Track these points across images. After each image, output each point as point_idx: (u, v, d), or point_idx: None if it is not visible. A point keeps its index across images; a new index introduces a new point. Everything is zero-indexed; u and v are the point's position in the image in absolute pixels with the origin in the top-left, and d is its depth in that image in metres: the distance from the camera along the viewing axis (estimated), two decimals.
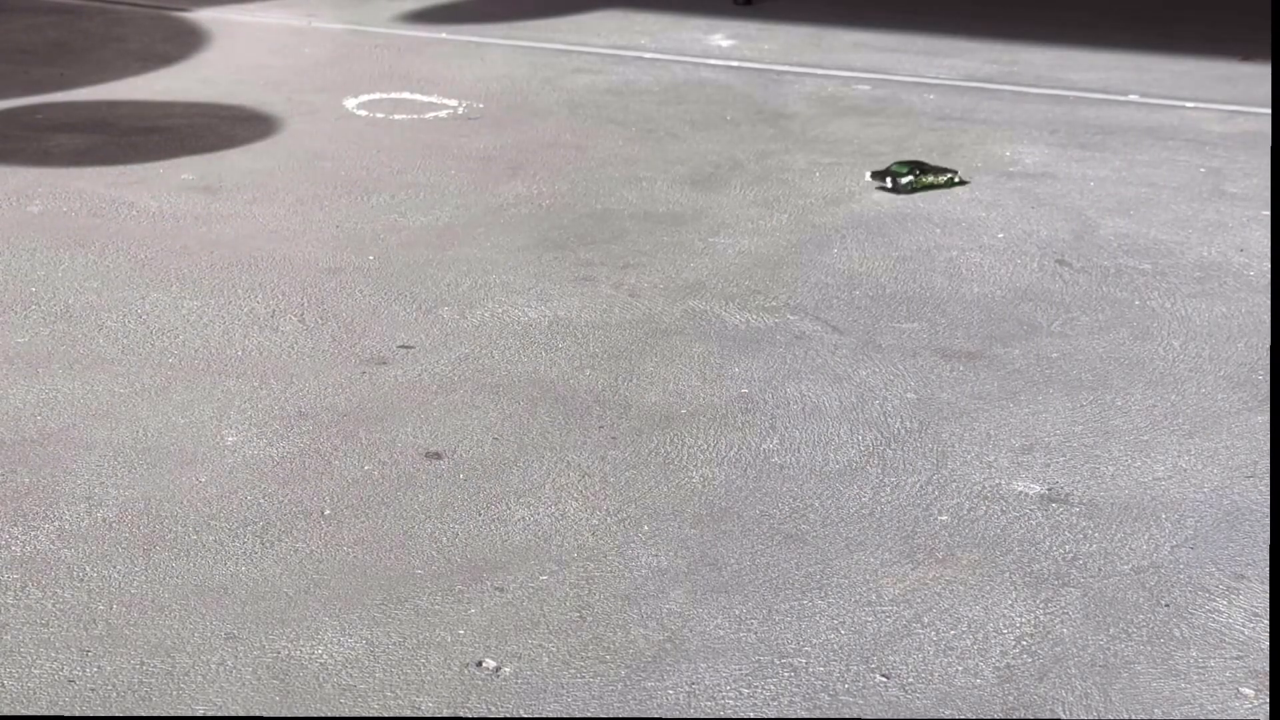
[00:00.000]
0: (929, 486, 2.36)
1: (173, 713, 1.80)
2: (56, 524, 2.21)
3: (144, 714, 1.80)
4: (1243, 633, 1.99)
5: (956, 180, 3.72)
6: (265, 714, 1.80)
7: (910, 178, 3.71)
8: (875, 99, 4.79)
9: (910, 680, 1.89)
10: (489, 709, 1.82)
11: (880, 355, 2.85)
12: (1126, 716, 1.83)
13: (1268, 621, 2.01)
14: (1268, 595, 2.07)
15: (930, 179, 3.75)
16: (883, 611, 2.03)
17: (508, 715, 1.81)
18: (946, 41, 5.66)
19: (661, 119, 4.50)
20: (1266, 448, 2.49)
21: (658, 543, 2.19)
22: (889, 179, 3.71)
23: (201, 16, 5.92)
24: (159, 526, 2.21)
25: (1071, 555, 2.17)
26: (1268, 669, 1.91)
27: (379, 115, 4.50)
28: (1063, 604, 2.05)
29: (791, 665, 1.91)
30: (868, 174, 3.75)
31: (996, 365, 2.82)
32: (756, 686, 1.87)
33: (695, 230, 3.51)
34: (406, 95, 4.74)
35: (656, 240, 3.44)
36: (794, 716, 1.82)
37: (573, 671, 1.89)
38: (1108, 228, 3.58)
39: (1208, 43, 5.63)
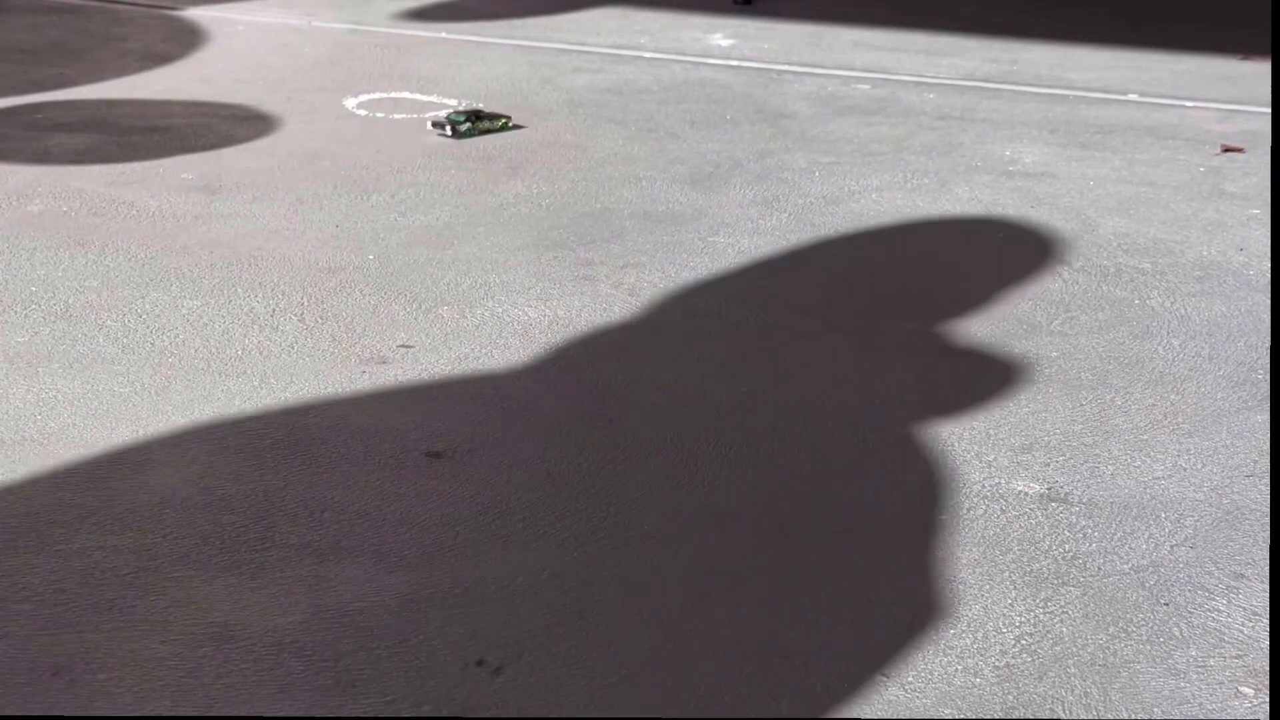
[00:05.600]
0: (929, 486, 2.36)
1: (174, 713, 1.80)
2: None
3: (144, 714, 1.80)
4: (1242, 632, 2.00)
5: (510, 125, 4.31)
6: (268, 713, 1.80)
7: (467, 124, 4.25)
8: (875, 98, 4.80)
9: (910, 679, 1.89)
10: (489, 709, 1.82)
11: (880, 355, 2.85)
12: (1126, 715, 1.83)
13: (1267, 621, 2.02)
14: (1267, 594, 2.07)
15: (485, 125, 4.29)
16: (883, 611, 2.03)
17: (508, 715, 1.81)
18: (946, 40, 5.66)
19: (661, 118, 4.50)
20: (1266, 447, 2.49)
21: (658, 542, 2.19)
22: (448, 126, 4.25)
23: (201, 16, 5.92)
24: None
25: (1071, 554, 2.17)
26: (1267, 668, 1.91)
27: (379, 115, 4.50)
28: (1062, 603, 2.05)
29: (791, 664, 1.91)
30: (429, 123, 4.30)
31: (996, 365, 2.82)
32: (756, 686, 1.87)
33: (695, 230, 3.52)
34: (406, 95, 4.74)
35: (656, 240, 3.44)
36: (794, 716, 1.82)
37: (573, 671, 1.89)
38: (1107, 227, 3.59)
39: (1208, 42, 5.63)
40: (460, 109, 4.37)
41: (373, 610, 2.01)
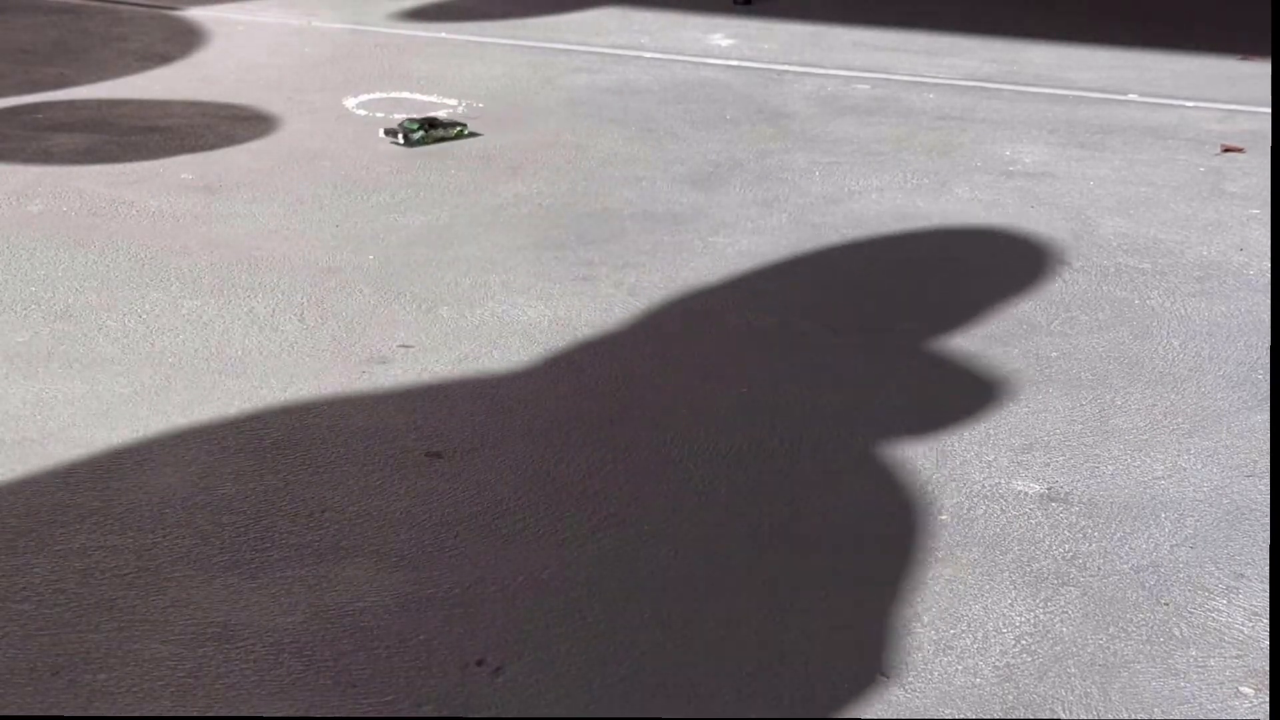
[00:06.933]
0: (929, 486, 2.36)
1: (174, 712, 1.80)
2: None
3: (146, 714, 1.80)
4: (1242, 632, 2.00)
5: (465, 133, 4.23)
6: (267, 713, 1.80)
7: (420, 132, 4.17)
8: (875, 98, 4.80)
9: (910, 679, 1.89)
10: (489, 709, 1.82)
11: (880, 355, 2.85)
12: (1126, 715, 1.83)
13: (1267, 620, 2.02)
14: (1267, 594, 2.07)
15: (439, 133, 4.20)
16: (882, 611, 2.03)
17: (508, 715, 1.81)
18: (946, 40, 5.66)
19: (661, 118, 4.50)
20: (1266, 447, 2.49)
21: (658, 542, 2.19)
22: (400, 134, 4.16)
23: (201, 16, 5.92)
24: None
25: (1071, 554, 2.17)
26: (1267, 668, 1.91)
27: (379, 115, 4.50)
28: (1062, 603, 2.05)
29: (791, 665, 1.91)
30: (381, 131, 4.23)
31: (996, 365, 2.82)
32: (756, 686, 1.87)
33: (695, 230, 3.52)
34: (406, 95, 4.74)
35: (656, 240, 3.44)
36: (794, 716, 1.82)
37: (573, 671, 1.89)
38: (1107, 227, 3.59)
39: (1208, 42, 5.63)
40: (415, 117, 4.25)
41: (373, 610, 2.01)
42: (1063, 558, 2.17)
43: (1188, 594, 2.08)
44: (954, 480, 2.39)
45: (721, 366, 2.79)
